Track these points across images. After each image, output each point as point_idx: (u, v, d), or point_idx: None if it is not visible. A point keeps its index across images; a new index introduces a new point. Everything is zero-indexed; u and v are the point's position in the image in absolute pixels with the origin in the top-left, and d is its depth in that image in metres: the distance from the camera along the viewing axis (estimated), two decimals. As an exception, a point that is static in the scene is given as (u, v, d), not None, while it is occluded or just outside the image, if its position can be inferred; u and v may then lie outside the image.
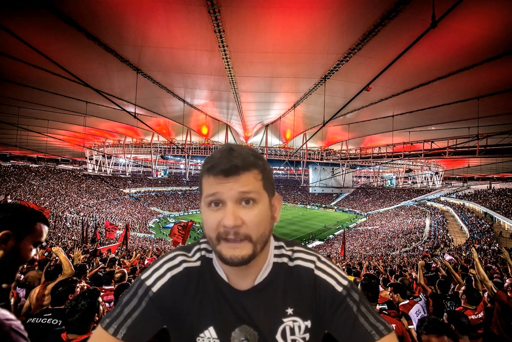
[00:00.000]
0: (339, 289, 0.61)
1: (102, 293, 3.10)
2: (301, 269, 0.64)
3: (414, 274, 5.64)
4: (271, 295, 0.62)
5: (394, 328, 2.06)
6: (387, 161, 20.26)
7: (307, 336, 0.61)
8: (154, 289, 0.60)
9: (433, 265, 7.31)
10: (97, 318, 1.64)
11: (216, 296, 0.62)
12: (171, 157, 46.75)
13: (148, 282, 0.61)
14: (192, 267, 0.64)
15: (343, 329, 0.59)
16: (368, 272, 5.45)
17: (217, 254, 0.55)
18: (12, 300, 2.05)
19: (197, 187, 52.06)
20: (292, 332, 0.60)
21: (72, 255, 5.18)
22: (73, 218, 25.10)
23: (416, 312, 2.53)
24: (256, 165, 0.55)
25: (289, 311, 0.61)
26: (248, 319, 0.61)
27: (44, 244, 6.23)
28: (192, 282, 0.63)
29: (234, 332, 0.60)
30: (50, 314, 1.92)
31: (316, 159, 25.77)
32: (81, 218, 25.06)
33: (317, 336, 0.63)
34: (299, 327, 0.61)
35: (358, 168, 38.01)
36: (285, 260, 0.65)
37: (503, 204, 24.56)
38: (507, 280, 2.76)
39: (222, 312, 0.61)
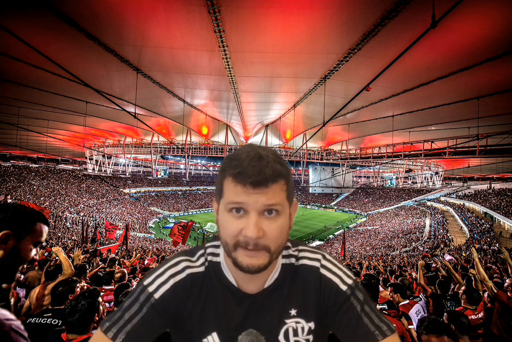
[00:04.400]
0: (344, 288, 0.61)
1: (102, 293, 3.10)
2: (307, 268, 0.64)
3: (414, 274, 5.64)
4: (278, 296, 0.62)
5: (395, 328, 2.06)
6: (387, 161, 20.26)
7: (310, 337, 0.61)
8: (156, 295, 0.60)
9: (433, 265, 7.31)
10: (97, 318, 1.64)
11: (222, 301, 0.61)
12: (171, 157, 46.75)
13: (151, 288, 0.60)
14: (196, 273, 0.63)
15: (346, 329, 0.58)
16: (368, 272, 5.45)
17: (232, 260, 0.55)
18: (12, 300, 2.05)
19: (197, 187, 52.46)
20: (295, 333, 0.60)
21: (72, 255, 5.19)
22: (73, 218, 25.10)
23: (416, 312, 2.53)
24: (283, 176, 0.54)
25: (293, 312, 0.61)
26: (255, 322, 0.60)
27: (44, 244, 6.23)
28: (195, 288, 0.62)
29: (241, 335, 0.60)
30: (50, 314, 1.91)
31: (316, 159, 25.75)
32: (81, 218, 25.06)
33: (321, 337, 0.63)
34: (302, 328, 0.61)
35: (358, 168, 38.00)
36: (292, 260, 0.66)
37: (503, 204, 24.56)
38: (507, 280, 2.76)
39: (227, 317, 0.61)
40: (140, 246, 18.39)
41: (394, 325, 0.61)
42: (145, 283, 0.62)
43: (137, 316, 0.58)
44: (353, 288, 0.61)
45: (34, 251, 0.85)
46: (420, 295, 3.29)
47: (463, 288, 2.77)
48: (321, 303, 0.61)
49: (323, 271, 0.63)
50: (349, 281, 0.62)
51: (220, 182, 0.56)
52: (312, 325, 0.61)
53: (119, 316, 0.58)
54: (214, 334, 0.60)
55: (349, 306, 0.59)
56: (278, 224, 0.53)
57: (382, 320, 0.58)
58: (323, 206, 50.83)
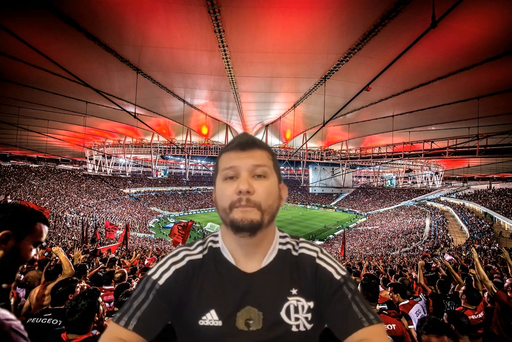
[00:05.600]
0: (337, 277, 0.65)
1: (102, 293, 3.10)
2: (305, 257, 0.69)
3: (414, 274, 5.64)
4: (277, 276, 0.66)
5: (394, 328, 2.06)
6: (387, 161, 20.26)
7: (309, 315, 0.63)
8: (160, 282, 0.64)
9: (433, 265, 7.31)
10: (97, 318, 1.64)
11: (220, 280, 0.65)
12: (171, 157, 46.72)
13: (154, 276, 0.65)
14: (195, 260, 0.68)
15: (337, 315, 0.62)
16: (368, 272, 5.45)
17: (229, 223, 0.61)
18: (12, 300, 2.05)
19: (197, 187, 52.55)
20: (296, 310, 0.63)
21: (72, 255, 5.19)
22: (73, 218, 25.09)
23: (416, 312, 2.54)
24: (268, 148, 0.66)
25: (294, 291, 0.65)
26: (253, 300, 0.63)
27: (44, 244, 6.23)
28: (195, 272, 0.67)
29: (240, 312, 0.62)
30: (50, 314, 1.92)
31: (316, 159, 25.75)
32: (81, 218, 25.05)
33: (318, 317, 0.65)
34: (303, 306, 0.64)
35: (358, 168, 38.00)
36: (289, 247, 0.71)
37: (503, 204, 24.56)
38: (507, 280, 2.76)
39: (225, 295, 0.64)
40: (140, 246, 18.38)
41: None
42: (149, 273, 0.67)
43: (145, 303, 0.62)
44: (346, 279, 0.65)
45: (34, 251, 0.85)
46: (420, 295, 3.29)
47: (463, 288, 2.77)
48: (317, 290, 0.65)
49: (319, 261, 0.68)
50: (343, 272, 0.66)
51: (217, 162, 0.66)
52: (311, 304, 0.64)
53: (128, 306, 0.62)
54: (212, 311, 0.62)
55: (341, 294, 0.63)
56: (266, 185, 0.62)
57: (371, 310, 0.62)
58: (323, 206, 50.80)
